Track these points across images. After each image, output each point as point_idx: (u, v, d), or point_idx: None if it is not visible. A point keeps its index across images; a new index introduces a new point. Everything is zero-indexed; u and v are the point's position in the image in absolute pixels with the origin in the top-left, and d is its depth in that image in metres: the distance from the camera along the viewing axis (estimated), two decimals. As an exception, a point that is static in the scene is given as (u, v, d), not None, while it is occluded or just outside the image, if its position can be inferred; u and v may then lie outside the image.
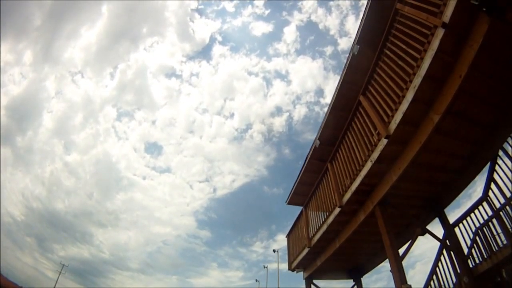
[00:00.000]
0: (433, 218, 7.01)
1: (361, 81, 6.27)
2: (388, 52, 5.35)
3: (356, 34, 6.82)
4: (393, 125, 5.05)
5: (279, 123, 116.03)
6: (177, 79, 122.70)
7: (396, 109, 4.99)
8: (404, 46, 4.87)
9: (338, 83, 7.73)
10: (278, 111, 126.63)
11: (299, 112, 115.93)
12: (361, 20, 6.63)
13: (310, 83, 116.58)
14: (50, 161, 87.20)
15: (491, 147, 5.69)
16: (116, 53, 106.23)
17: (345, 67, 7.43)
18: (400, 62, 4.96)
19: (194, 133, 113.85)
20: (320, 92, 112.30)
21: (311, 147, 9.60)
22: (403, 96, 4.81)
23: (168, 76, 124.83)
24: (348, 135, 6.83)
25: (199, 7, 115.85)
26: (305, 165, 10.16)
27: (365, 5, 6.44)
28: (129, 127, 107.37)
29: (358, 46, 6.80)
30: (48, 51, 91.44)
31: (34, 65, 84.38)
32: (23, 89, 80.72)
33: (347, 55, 7.33)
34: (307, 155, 9.88)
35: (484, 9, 3.59)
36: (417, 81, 4.47)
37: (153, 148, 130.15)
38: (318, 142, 9.11)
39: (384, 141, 5.31)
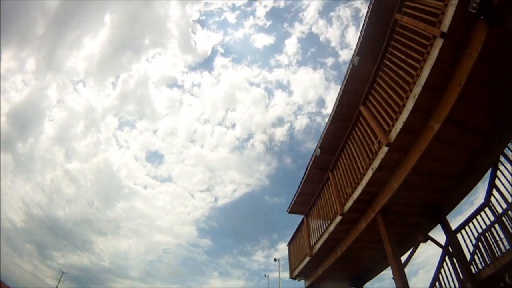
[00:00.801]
0: (435, 225, 6.98)
1: (362, 91, 6.31)
2: (387, 62, 5.39)
3: (356, 45, 6.88)
4: (393, 134, 5.08)
5: (280, 133, 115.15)
6: (178, 89, 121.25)
7: (397, 118, 5.01)
8: (403, 56, 4.91)
9: (339, 94, 7.79)
10: (280, 121, 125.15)
11: (301, 122, 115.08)
12: (361, 31, 6.70)
13: (312, 93, 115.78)
14: (51, 168, 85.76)
15: (492, 154, 5.68)
16: (119, 63, 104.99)
17: (345, 77, 7.49)
18: (400, 72, 4.99)
19: (195, 143, 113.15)
20: (321, 103, 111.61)
21: (312, 156, 9.61)
22: (403, 105, 4.83)
23: (170, 87, 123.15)
24: (349, 144, 6.85)
25: (201, 18, 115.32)
26: (306, 174, 10.15)
27: (364, 16, 6.52)
28: (130, 136, 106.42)
29: (358, 57, 6.86)
30: (51, 60, 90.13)
31: (36, 73, 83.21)
32: (25, 97, 79.59)
33: (348, 65, 7.38)
34: (308, 164, 9.88)
35: (482, 17, 3.63)
36: (417, 90, 4.50)
37: (154, 157, 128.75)
38: (318, 151, 9.12)
39: (385, 149, 5.32)
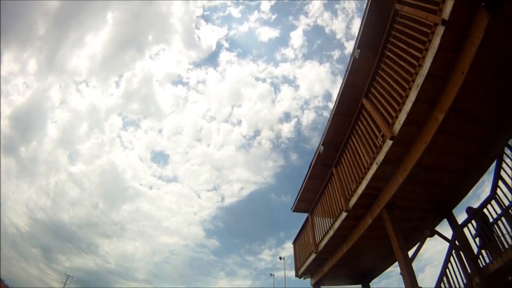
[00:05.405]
0: (441, 220, 6.94)
1: (363, 84, 6.29)
2: (389, 53, 5.37)
3: (357, 38, 6.86)
4: (397, 126, 5.04)
5: (287, 129, 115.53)
6: (183, 86, 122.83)
7: (400, 110, 4.98)
8: (405, 46, 4.89)
9: (340, 88, 7.75)
10: (287, 117, 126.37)
11: (308, 117, 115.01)
12: (361, 23, 6.68)
13: (318, 87, 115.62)
14: (54, 171, 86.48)
15: (497, 145, 5.62)
16: (122, 61, 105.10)
17: (346, 71, 7.46)
18: (401, 62, 4.97)
19: (201, 141, 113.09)
20: (328, 97, 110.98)
21: (315, 153, 9.56)
22: (407, 96, 4.80)
23: (175, 84, 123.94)
24: (352, 139, 6.81)
25: (205, 13, 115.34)
26: (309, 172, 10.11)
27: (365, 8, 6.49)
28: (135, 136, 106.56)
29: (359, 50, 6.84)
30: (53, 60, 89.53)
31: (38, 75, 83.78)
32: (27, 99, 79.99)
33: (349, 59, 7.34)
34: (311, 162, 9.84)
35: (483, 3, 3.60)
36: (419, 80, 4.47)
37: (160, 157, 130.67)
38: (322, 147, 9.09)
39: (389, 143, 5.28)
